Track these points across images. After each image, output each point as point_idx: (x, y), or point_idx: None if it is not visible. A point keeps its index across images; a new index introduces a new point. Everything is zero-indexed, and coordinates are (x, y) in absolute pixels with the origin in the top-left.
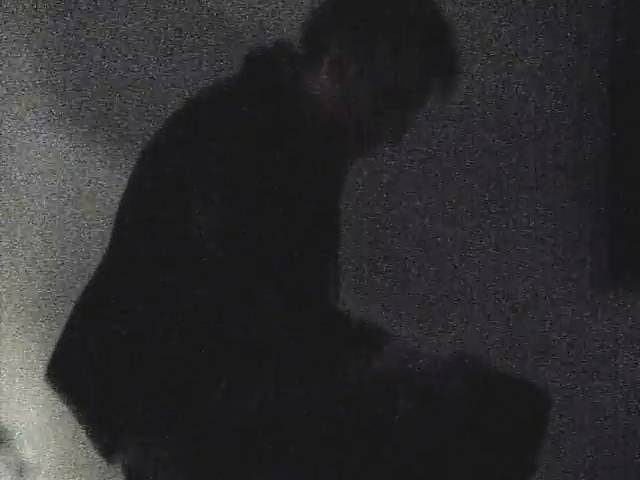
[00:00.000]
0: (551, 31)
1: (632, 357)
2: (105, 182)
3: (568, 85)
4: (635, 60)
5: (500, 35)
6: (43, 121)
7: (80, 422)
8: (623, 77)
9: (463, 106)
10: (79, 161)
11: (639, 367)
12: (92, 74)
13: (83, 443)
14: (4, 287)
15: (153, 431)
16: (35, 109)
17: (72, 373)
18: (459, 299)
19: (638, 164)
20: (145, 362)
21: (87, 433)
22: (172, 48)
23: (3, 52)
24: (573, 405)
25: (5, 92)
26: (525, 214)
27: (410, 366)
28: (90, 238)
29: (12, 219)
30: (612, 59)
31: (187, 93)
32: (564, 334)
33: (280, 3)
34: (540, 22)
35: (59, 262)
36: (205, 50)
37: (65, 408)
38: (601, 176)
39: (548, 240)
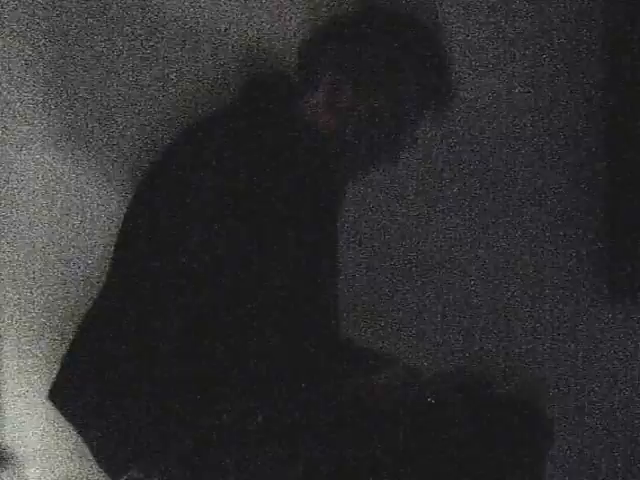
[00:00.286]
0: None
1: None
2: (104, 202)
3: (566, 110)
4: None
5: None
6: (41, 140)
7: (85, 442)
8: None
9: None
10: (78, 180)
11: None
12: (90, 93)
13: (86, 463)
14: (6, 308)
15: (157, 451)
16: (33, 128)
17: (75, 394)
18: (460, 316)
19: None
20: (148, 384)
21: (92, 453)
22: (171, 72)
23: (1, 71)
24: (575, 421)
25: (2, 110)
26: (527, 228)
27: (411, 388)
28: (91, 258)
29: (12, 239)
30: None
31: (186, 115)
32: (568, 347)
33: (278, 29)
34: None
35: (61, 282)
36: (205, 74)
37: (68, 429)
38: (601, 189)
39: (550, 252)
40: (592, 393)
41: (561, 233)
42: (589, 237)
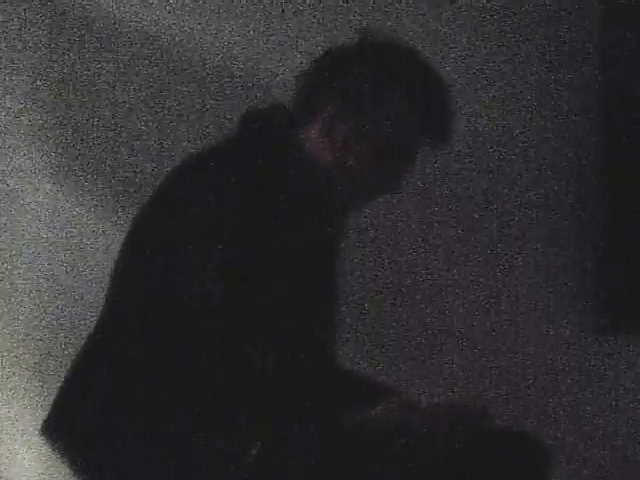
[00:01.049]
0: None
1: (633, 401)
2: (102, 232)
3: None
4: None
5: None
6: (40, 171)
7: (77, 477)
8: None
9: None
10: (77, 211)
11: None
12: (89, 125)
13: None
14: (1, 341)
15: None
16: (33, 159)
17: (68, 429)
18: (458, 348)
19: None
20: (142, 419)
21: None
22: (169, 103)
23: (3, 106)
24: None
25: (2, 141)
26: (526, 258)
27: (409, 420)
28: (89, 292)
29: (10, 271)
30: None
31: (184, 146)
32: (565, 381)
33: (276, 62)
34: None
35: (58, 316)
36: (203, 108)
37: (61, 463)
38: (602, 214)
39: (548, 283)
40: (591, 423)
41: (559, 262)
42: (587, 265)
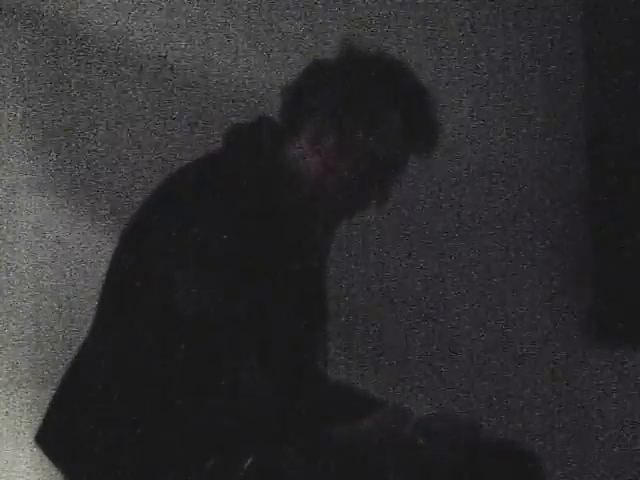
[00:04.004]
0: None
1: (621, 411)
2: (89, 245)
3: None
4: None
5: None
6: (27, 185)
7: None
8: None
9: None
10: (63, 225)
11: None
12: (76, 140)
13: None
14: None
15: None
16: (19, 174)
17: (62, 437)
18: (451, 358)
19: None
20: (136, 429)
21: None
22: (155, 117)
23: None
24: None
25: None
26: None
27: (400, 431)
28: (79, 302)
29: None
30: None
31: (169, 160)
32: (555, 391)
33: (263, 74)
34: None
35: (49, 325)
36: (188, 119)
37: (55, 471)
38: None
39: (536, 293)
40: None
41: (553, 269)
42: (576, 284)
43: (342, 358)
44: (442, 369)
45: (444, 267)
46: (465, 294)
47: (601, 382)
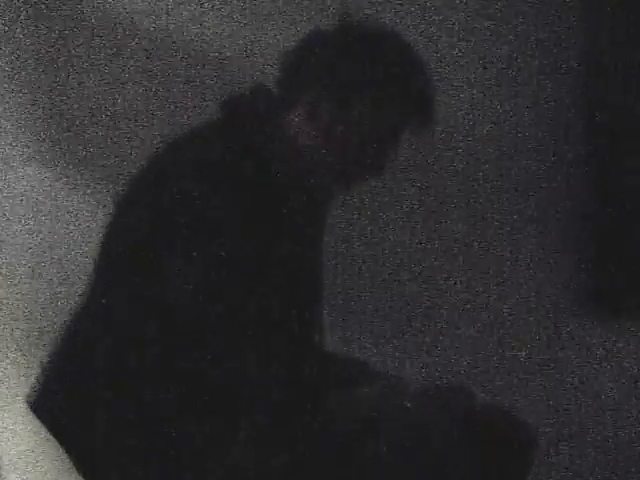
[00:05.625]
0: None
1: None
2: (85, 213)
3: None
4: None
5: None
6: (23, 154)
7: (66, 452)
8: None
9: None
10: (60, 193)
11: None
12: (71, 107)
13: (68, 471)
14: None
15: (139, 460)
16: (15, 142)
17: (56, 403)
18: (452, 332)
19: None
20: (130, 392)
21: (73, 463)
22: (152, 85)
23: None
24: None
25: None
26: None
27: (394, 398)
28: (72, 267)
29: None
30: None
31: (166, 129)
32: (549, 363)
33: (259, 43)
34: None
35: (42, 297)
36: (185, 88)
37: (50, 437)
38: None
39: (545, 272)
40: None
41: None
42: (584, 255)
43: (339, 327)
44: (438, 348)
45: (441, 252)
46: (463, 274)
47: (607, 361)
